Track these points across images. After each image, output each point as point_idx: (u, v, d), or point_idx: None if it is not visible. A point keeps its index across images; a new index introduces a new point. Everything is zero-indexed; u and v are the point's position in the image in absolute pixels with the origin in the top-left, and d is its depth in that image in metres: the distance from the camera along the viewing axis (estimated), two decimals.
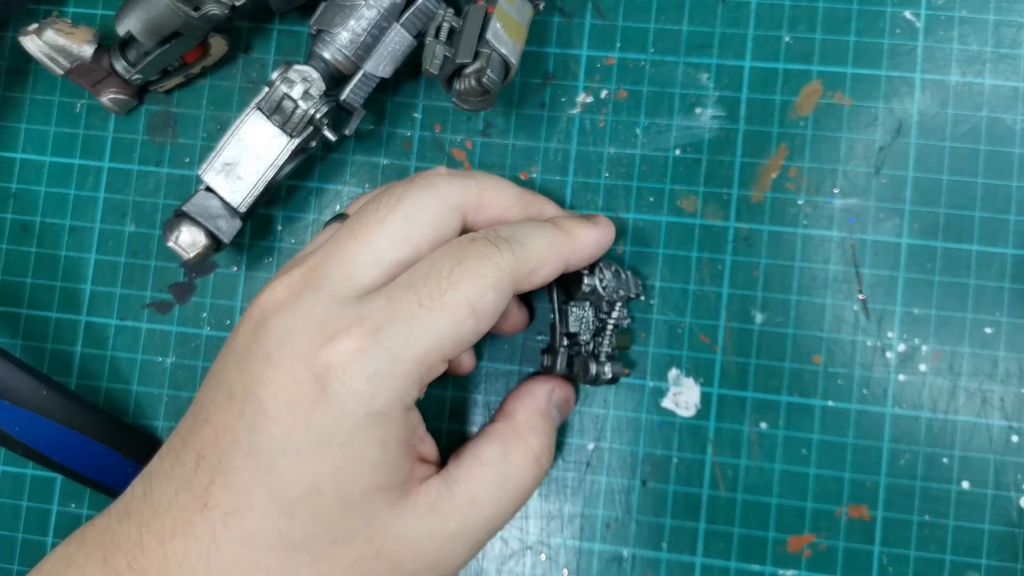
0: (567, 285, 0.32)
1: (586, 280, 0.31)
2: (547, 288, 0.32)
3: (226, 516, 0.24)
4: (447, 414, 0.35)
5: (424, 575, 0.26)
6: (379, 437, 0.24)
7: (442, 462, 0.28)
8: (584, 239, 0.29)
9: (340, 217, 0.29)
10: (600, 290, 0.31)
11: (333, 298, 0.25)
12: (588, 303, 0.32)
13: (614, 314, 0.32)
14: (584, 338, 0.32)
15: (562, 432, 0.34)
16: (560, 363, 0.32)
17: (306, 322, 0.24)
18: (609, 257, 0.34)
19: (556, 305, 0.32)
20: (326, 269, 0.25)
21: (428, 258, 0.26)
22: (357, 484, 0.24)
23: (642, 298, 0.34)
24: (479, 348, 0.35)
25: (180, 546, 0.24)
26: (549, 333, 0.33)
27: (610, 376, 0.32)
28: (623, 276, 0.33)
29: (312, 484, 0.24)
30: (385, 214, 0.26)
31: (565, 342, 0.32)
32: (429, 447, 0.28)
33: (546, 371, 0.32)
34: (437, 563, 0.26)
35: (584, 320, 0.32)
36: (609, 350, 0.32)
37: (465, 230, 0.28)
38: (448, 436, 0.35)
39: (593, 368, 0.31)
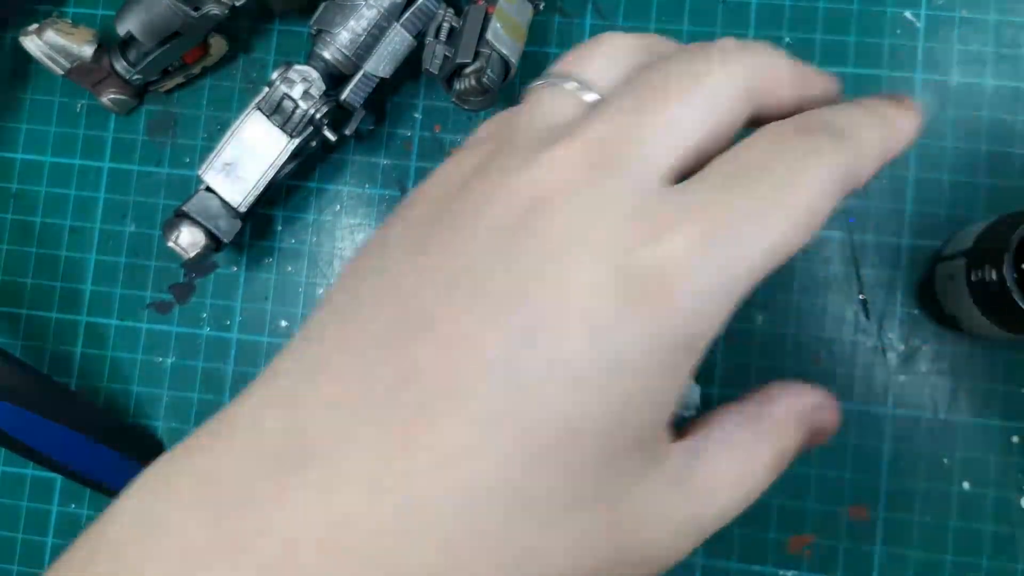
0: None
1: None
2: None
3: (444, 460, 0.18)
4: None
5: (641, 569, 0.20)
6: (679, 373, 0.19)
7: None
8: (906, 131, 0.21)
9: (549, 80, 0.22)
10: None
11: (638, 184, 0.19)
12: None
13: None
14: None
15: None
16: None
17: (613, 211, 0.19)
18: None
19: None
20: (617, 148, 0.19)
21: (748, 148, 0.20)
22: (629, 430, 0.19)
23: None
24: None
25: (354, 502, 0.17)
26: None
27: None
28: None
29: (579, 424, 0.18)
30: (686, 87, 0.20)
31: None
32: None
33: None
34: (660, 555, 0.21)
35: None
36: None
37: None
38: None
39: None
